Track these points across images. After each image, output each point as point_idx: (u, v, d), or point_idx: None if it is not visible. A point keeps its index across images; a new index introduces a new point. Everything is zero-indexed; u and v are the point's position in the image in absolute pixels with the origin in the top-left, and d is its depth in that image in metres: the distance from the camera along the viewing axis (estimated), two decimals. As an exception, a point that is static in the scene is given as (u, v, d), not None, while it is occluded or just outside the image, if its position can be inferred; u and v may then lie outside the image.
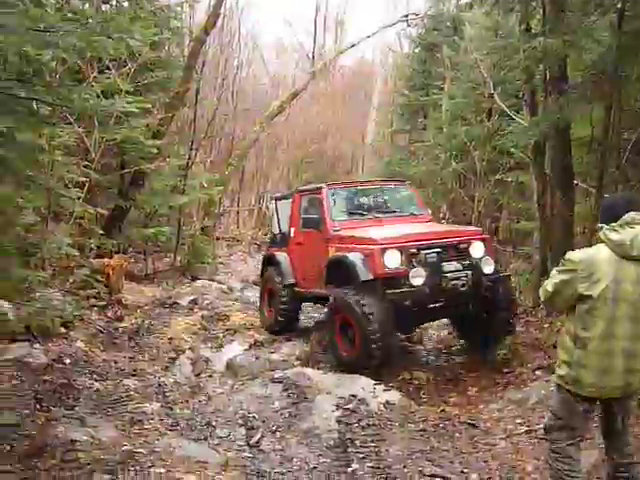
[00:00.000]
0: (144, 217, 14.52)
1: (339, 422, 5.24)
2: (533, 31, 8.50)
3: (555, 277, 3.51)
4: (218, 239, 18.81)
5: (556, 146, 8.29)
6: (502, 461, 4.92)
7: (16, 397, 5.24)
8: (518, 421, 5.71)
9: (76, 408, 5.34)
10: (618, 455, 3.64)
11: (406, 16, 21.55)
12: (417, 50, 23.72)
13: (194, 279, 14.13)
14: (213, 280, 14.37)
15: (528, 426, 5.53)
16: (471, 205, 13.43)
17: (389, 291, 6.72)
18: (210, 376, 7.37)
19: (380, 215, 8.35)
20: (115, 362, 7.01)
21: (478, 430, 5.59)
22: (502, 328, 7.53)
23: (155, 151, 12.65)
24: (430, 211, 9.09)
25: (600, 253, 3.35)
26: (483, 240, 7.49)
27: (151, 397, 5.86)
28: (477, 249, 7.30)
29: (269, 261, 9.46)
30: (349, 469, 4.68)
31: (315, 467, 4.73)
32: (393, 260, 6.88)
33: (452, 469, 4.72)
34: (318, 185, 8.81)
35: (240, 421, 5.41)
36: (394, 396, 5.63)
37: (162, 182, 13.91)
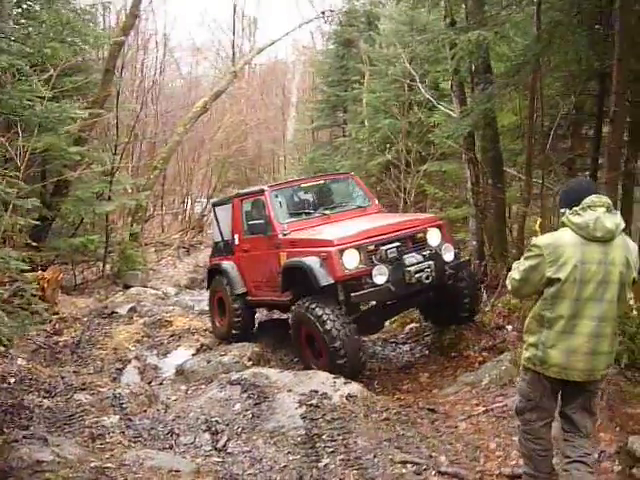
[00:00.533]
0: (69, 226, 14.06)
1: (304, 418, 5.23)
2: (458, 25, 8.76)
3: (522, 265, 3.58)
4: (145, 245, 18.41)
5: (485, 135, 8.60)
6: (466, 442, 5.08)
7: (-33, 422, 5.02)
8: (474, 402, 5.90)
9: (31, 428, 5.15)
10: (570, 449, 3.67)
11: (323, 13, 21.71)
12: (333, 46, 23.97)
13: (126, 287, 13.80)
14: (146, 287, 14.11)
15: (485, 406, 5.73)
16: (400, 196, 13.64)
17: (352, 294, 6.49)
18: (161, 384, 7.30)
19: (327, 212, 8.01)
20: (62, 377, 6.76)
21: (437, 414, 5.75)
22: (466, 313, 7.58)
23: (78, 158, 12.29)
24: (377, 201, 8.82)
25: (565, 237, 3.44)
26: (439, 227, 7.31)
27: (107, 410, 5.70)
28: (434, 237, 7.15)
29: (215, 271, 9.08)
30: (320, 464, 4.69)
31: (286, 465, 4.72)
32: (352, 260, 6.62)
33: (420, 454, 4.83)
34: (259, 187, 8.54)
35: (203, 426, 5.32)
36: (354, 388, 5.67)
37: (87, 190, 13.49)
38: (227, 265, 8.72)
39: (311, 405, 5.38)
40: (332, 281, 6.54)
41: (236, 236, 8.61)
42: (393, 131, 17.50)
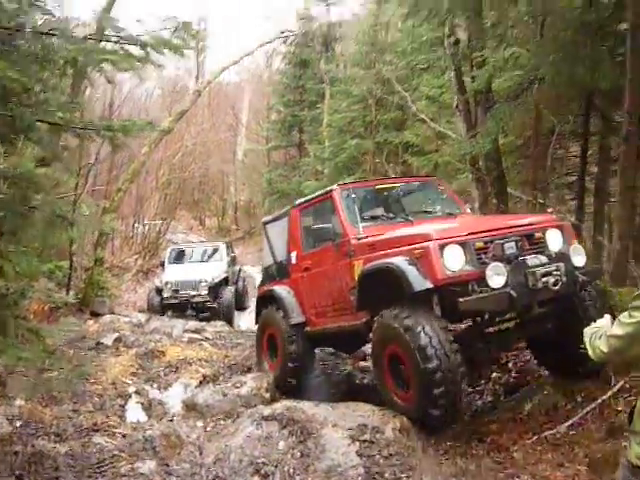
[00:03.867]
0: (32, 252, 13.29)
1: (360, 456, 4.87)
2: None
3: (616, 330, 2.56)
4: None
5: (489, 155, 8.55)
6: (531, 473, 4.85)
7: (-5, 477, 4.47)
8: (521, 429, 5.65)
9: (61, 479, 4.64)
10: None
11: (283, 33, 21.61)
12: (288, 66, 23.95)
13: (93, 314, 13.14)
14: (114, 313, 13.48)
15: (535, 433, 5.51)
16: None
17: (462, 299, 5.04)
18: (171, 420, 6.74)
19: (411, 218, 6.57)
20: (69, 418, 6.23)
21: (487, 445, 5.50)
22: None
23: (44, 181, 11.61)
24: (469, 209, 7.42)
25: None
26: (561, 228, 5.86)
27: (139, 454, 5.19)
28: (555, 239, 5.70)
29: (267, 300, 7.64)
30: (391, 505, 4.40)
31: (353, 508, 4.41)
32: (456, 259, 5.19)
33: (491, 489, 4.60)
34: (325, 189, 7.13)
35: (250, 469, 4.87)
36: (404, 420, 5.35)
37: (52, 214, 12.78)
38: (281, 290, 7.33)
39: (365, 441, 5.01)
40: (430, 285, 5.13)
41: (293, 254, 7.30)
42: (360, 151, 17.52)
